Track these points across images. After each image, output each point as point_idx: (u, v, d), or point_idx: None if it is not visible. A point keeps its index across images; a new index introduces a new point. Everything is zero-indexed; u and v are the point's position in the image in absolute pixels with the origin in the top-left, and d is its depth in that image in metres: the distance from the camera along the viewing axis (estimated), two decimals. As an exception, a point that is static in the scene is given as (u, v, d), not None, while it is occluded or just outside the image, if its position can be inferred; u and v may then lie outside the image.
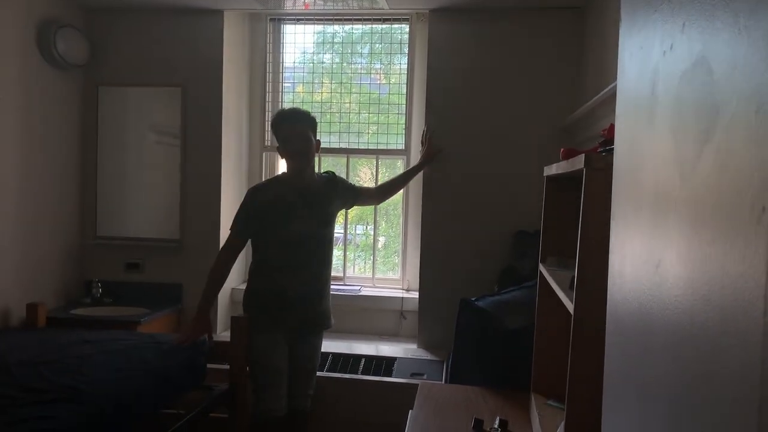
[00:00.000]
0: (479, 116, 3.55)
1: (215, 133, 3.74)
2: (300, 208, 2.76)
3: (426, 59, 3.70)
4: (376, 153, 4.02)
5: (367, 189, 3.30)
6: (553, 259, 2.23)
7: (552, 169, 2.11)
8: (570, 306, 1.58)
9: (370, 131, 4.05)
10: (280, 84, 4.13)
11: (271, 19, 4.05)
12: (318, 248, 2.82)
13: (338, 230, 4.22)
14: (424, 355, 3.52)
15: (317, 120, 2.87)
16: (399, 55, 4.05)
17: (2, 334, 3.08)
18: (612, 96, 2.43)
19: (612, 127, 1.62)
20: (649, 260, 0.83)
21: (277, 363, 2.78)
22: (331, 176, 2.97)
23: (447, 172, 3.54)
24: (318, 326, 2.93)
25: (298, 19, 4.06)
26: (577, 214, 2.26)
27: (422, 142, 3.53)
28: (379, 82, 4.14)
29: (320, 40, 4.19)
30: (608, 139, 1.65)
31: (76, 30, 3.60)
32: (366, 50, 4.14)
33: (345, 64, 4.11)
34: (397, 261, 4.15)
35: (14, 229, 3.33)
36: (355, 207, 3.44)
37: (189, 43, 3.77)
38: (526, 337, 2.61)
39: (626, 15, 1.08)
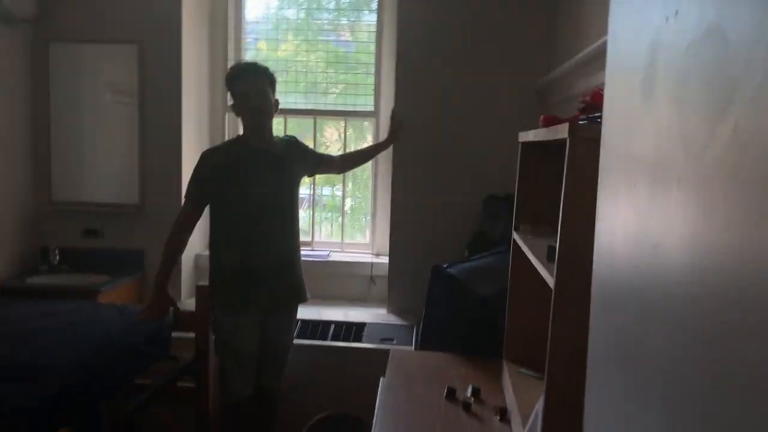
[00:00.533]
0: (450, 77, 3.46)
1: (175, 92, 3.57)
2: (261, 171, 2.55)
3: (396, 17, 3.58)
4: (345, 115, 3.91)
5: (330, 157, 3.11)
6: (527, 226, 2.19)
7: (529, 136, 2.05)
8: (550, 279, 1.54)
9: (337, 91, 3.92)
10: (242, 41, 3.96)
11: (232, -30, 3.86)
12: (284, 215, 2.63)
13: (304, 191, 4.13)
14: (393, 320, 3.50)
15: (277, 78, 2.67)
16: (367, 12, 3.91)
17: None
18: (590, 59, 2.36)
19: (597, 94, 1.55)
20: (645, 241, 0.78)
21: (246, 346, 2.61)
22: (292, 139, 2.80)
23: (417, 135, 3.46)
24: (292, 300, 2.75)
25: (262, -28, 3.87)
26: (553, 182, 2.21)
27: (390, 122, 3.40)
28: (345, 39, 4.00)
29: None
30: (590, 105, 1.59)
31: (22, -19, 3.37)
32: (332, 5, 3.99)
33: (310, 20, 3.95)
34: (365, 223, 4.09)
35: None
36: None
37: (145, -4, 3.56)
38: (498, 304, 2.58)
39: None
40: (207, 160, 2.58)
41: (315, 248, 3.96)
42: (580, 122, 1.53)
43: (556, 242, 1.90)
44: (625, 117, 0.91)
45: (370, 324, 3.43)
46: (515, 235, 2.22)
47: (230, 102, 2.64)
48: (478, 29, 3.43)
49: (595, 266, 1.02)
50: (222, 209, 2.59)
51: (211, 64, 3.93)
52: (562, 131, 1.42)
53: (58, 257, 3.56)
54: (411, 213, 3.52)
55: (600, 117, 1.43)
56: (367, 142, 4.01)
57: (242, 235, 2.57)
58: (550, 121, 1.65)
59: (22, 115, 3.57)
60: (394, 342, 3.27)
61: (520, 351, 2.28)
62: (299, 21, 3.97)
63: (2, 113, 3.41)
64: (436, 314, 2.76)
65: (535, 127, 3.33)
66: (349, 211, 4.11)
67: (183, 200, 2.66)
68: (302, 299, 2.77)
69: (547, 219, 2.22)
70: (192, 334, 2.93)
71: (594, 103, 1.56)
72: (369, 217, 3.99)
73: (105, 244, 3.69)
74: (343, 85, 3.92)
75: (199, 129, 3.83)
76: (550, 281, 1.53)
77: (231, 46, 3.90)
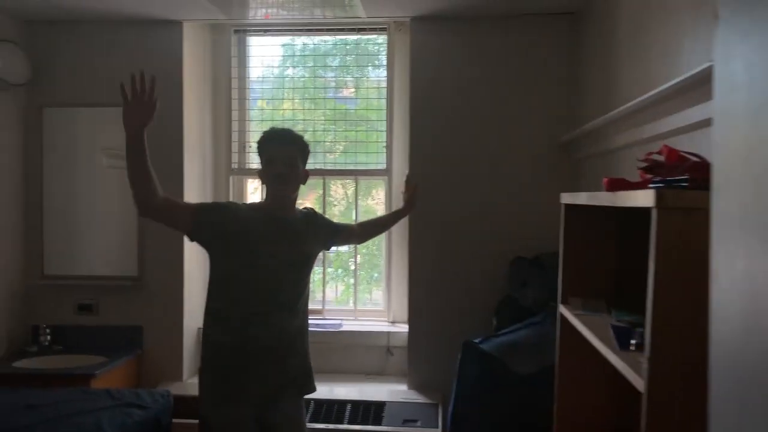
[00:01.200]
0: (468, 133, 3.26)
1: (176, 155, 3.37)
2: (275, 242, 2.25)
3: (406, 72, 3.42)
4: (355, 174, 3.69)
5: (348, 226, 2.83)
6: (578, 300, 1.93)
7: (579, 198, 1.81)
8: (628, 372, 1.27)
9: (345, 150, 3.72)
10: (247, 101, 3.78)
11: (235, 31, 3.70)
12: (293, 291, 2.29)
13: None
14: (415, 397, 3.19)
15: (310, 148, 2.39)
16: (371, 68, 3.75)
17: (-70, 398, 2.64)
18: (630, 113, 2.15)
19: (671, 151, 1.32)
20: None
21: None
22: (309, 211, 2.50)
23: (435, 194, 3.24)
24: (295, 389, 2.33)
25: (266, 30, 3.72)
26: (604, 248, 1.98)
27: (404, 188, 3.07)
28: (350, 96, 3.82)
29: (288, 53, 3.85)
30: (660, 165, 1.36)
31: (15, 45, 3.20)
32: (336, 63, 3.83)
33: (314, 78, 3.79)
34: (376, 278, 3.82)
35: (-56, 272, 2.89)
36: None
37: (143, 58, 3.37)
38: (541, 384, 2.31)
39: (727, 7, 0.79)
40: (227, 204, 2.32)
41: (326, 316, 3.68)
42: (653, 185, 1.30)
43: (620, 322, 1.65)
44: (757, 182, 0.68)
45: (390, 403, 3.13)
46: (563, 310, 1.96)
47: (259, 167, 2.35)
48: (496, 83, 3.25)
49: (713, 357, 0.77)
50: (223, 278, 2.24)
51: (214, 126, 3.74)
52: (643, 199, 1.18)
53: (49, 337, 3.28)
54: (431, 277, 3.27)
55: (685, 180, 1.20)
56: (376, 199, 3.80)
57: (242, 310, 2.20)
58: (618, 185, 1.40)
59: (14, 183, 3.35)
60: (419, 424, 2.97)
61: (574, 442, 1.99)
62: (303, 79, 3.80)
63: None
64: (469, 395, 2.47)
65: (564, 184, 3.14)
66: (361, 269, 3.83)
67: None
68: (308, 389, 2.38)
69: (601, 291, 1.98)
70: (196, 421, 2.61)
71: (671, 163, 1.33)
72: (383, 279, 3.72)
73: (100, 320, 3.41)
74: (346, 143, 3.71)
75: (202, 194, 3.60)
76: (630, 375, 1.26)
77: (235, 106, 3.72)
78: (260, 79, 3.82)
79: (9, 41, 3.16)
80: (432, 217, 3.25)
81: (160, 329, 3.38)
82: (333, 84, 3.80)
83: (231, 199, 3.70)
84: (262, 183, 2.35)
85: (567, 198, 1.94)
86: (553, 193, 3.18)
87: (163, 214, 2.14)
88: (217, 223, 2.18)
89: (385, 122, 3.64)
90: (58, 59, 3.42)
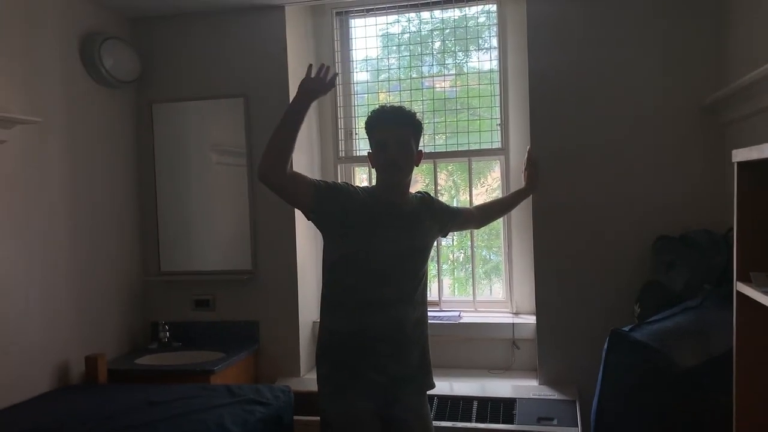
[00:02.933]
0: (595, 103, 2.93)
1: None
2: (390, 229, 2.09)
3: (519, 40, 3.14)
4: (468, 155, 3.45)
5: (466, 210, 2.62)
6: (762, 276, 1.61)
7: (760, 152, 1.49)
8: None
9: (458, 131, 3.48)
10: (351, 85, 3.63)
11: (336, 13, 3.56)
12: (411, 280, 2.13)
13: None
14: (549, 393, 2.92)
15: (423, 125, 2.21)
16: (475, 51, 3.49)
17: (59, 394, 2.67)
18: None
19: None
20: None
21: None
22: (425, 195, 2.31)
23: (559, 172, 2.94)
24: (416, 384, 2.16)
25: (367, 11, 3.55)
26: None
27: (525, 166, 2.93)
28: (454, 86, 3.57)
29: (387, 42, 3.63)
30: None
31: (124, 42, 3.21)
32: (437, 47, 3.58)
33: (420, 64, 3.57)
34: (493, 267, 3.56)
35: (68, 270, 2.92)
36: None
37: (248, 47, 3.32)
38: (707, 377, 2.00)
39: None
40: (347, 185, 2.14)
41: (443, 308, 3.47)
42: None
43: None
44: None
45: (521, 399, 2.87)
46: (743, 287, 1.64)
47: (368, 150, 2.18)
48: (624, 44, 2.91)
49: None
50: (339, 263, 2.10)
51: (320, 113, 3.62)
52: None
53: (168, 333, 3.28)
54: (559, 263, 2.97)
55: None
56: (485, 186, 3.54)
57: (359, 298, 2.06)
58: None
59: (128, 182, 3.38)
60: (555, 422, 2.70)
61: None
62: (402, 70, 3.60)
63: (109, 181, 3.23)
64: (618, 390, 2.18)
65: (709, 152, 2.76)
66: (466, 263, 3.58)
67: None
68: (429, 385, 2.21)
69: (791, 264, 1.64)
70: (317, 418, 2.47)
71: None
72: (503, 268, 3.46)
73: (217, 316, 3.38)
74: (457, 121, 3.46)
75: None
76: None
77: (340, 91, 3.58)
78: (364, 60, 3.66)
79: (117, 38, 3.17)
80: (557, 197, 2.96)
81: (275, 323, 3.30)
82: (434, 72, 3.57)
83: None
84: (373, 167, 2.17)
85: (744, 154, 1.61)
86: (697, 163, 2.84)
87: (287, 185, 1.99)
88: (338, 202, 2.03)
89: (498, 97, 3.38)
90: (165, 54, 3.42)
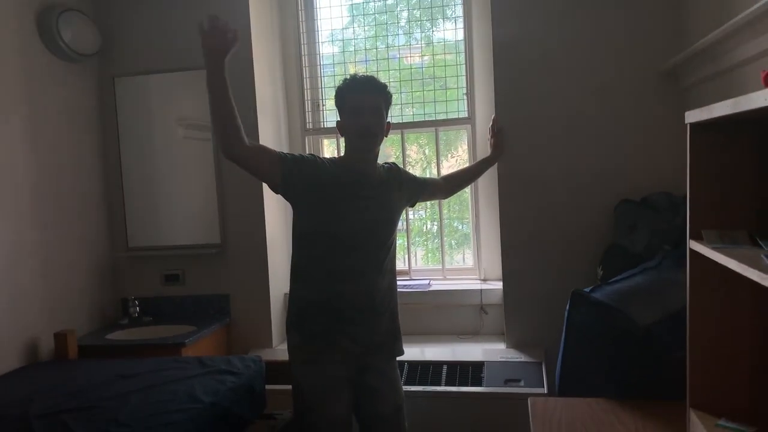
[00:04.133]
0: (557, 71, 2.95)
1: (250, 118, 3.24)
2: (359, 199, 2.12)
3: (484, 11, 3.16)
4: (435, 125, 3.47)
5: (434, 181, 2.67)
6: (713, 233, 1.66)
7: (714, 111, 1.53)
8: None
9: (424, 101, 3.49)
10: (318, 56, 3.61)
11: (301, -16, 3.53)
12: (379, 249, 2.16)
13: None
14: (515, 356, 2.99)
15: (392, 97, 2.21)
16: (442, 21, 3.49)
17: (29, 371, 2.66)
18: (739, 28, 1.83)
19: None
20: None
21: (337, 408, 2.10)
22: (393, 166, 2.34)
23: (524, 139, 2.98)
24: (386, 350, 2.23)
25: (333, -20, 3.52)
26: (740, 173, 1.70)
27: (490, 134, 2.97)
28: (421, 57, 3.57)
29: (353, 12, 3.61)
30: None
31: (82, 14, 3.14)
32: (404, 17, 3.57)
33: (380, 36, 3.55)
34: (458, 239, 3.62)
35: (34, 247, 2.89)
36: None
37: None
38: (663, 334, 2.07)
39: None
40: (313, 156, 2.14)
41: (413, 277, 3.52)
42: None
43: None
44: None
45: (489, 362, 2.94)
46: (696, 245, 1.70)
47: (336, 119, 2.19)
48: (582, 9, 2.93)
49: None
50: (308, 234, 2.12)
51: (286, 86, 3.60)
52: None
53: (138, 308, 3.27)
54: (525, 229, 3.02)
55: None
56: (456, 158, 3.58)
57: (329, 267, 2.10)
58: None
59: (92, 157, 3.33)
60: (522, 384, 2.77)
61: (713, 395, 1.74)
62: (368, 41, 3.58)
63: (72, 156, 3.18)
64: (580, 350, 2.24)
65: (669, 116, 2.81)
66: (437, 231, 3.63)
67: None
68: (399, 351, 2.27)
69: (737, 221, 1.70)
70: (289, 387, 2.51)
71: None
72: (471, 236, 3.51)
73: (187, 290, 3.38)
74: (423, 91, 3.47)
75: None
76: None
77: (306, 62, 3.56)
78: (329, 32, 3.64)
79: (76, 10, 3.10)
80: (522, 164, 2.99)
81: (246, 296, 3.31)
82: (405, 38, 3.56)
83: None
84: (343, 135, 2.18)
85: (695, 115, 1.66)
86: (658, 127, 2.90)
87: (251, 158, 2.03)
88: (306, 174, 2.05)
89: (464, 67, 3.40)
90: (127, 26, 3.35)
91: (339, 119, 2.16)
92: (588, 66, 2.93)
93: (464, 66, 3.40)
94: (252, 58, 3.23)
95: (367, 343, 2.14)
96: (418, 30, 3.56)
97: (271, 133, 3.40)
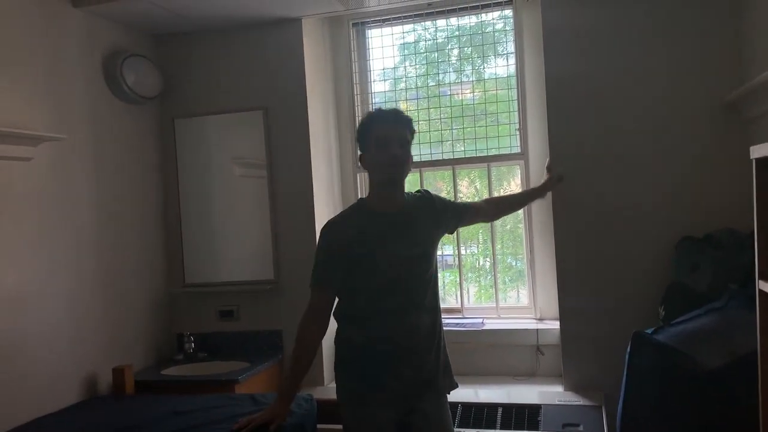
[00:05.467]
0: (613, 105, 2.89)
1: (304, 157, 3.31)
2: (390, 237, 2.06)
3: (536, 46, 3.13)
4: (487, 161, 3.44)
5: (474, 204, 2.57)
6: (785, 273, 1.58)
7: (782, 146, 1.47)
8: None
9: (476, 137, 3.48)
10: (369, 95, 3.66)
11: (353, 24, 3.60)
12: (419, 284, 2.10)
13: (448, 252, 3.66)
14: (574, 399, 2.88)
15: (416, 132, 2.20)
16: (492, 57, 3.49)
17: (88, 405, 2.72)
18: None
19: None
20: None
21: None
22: (424, 194, 2.26)
23: (580, 175, 2.92)
24: (435, 389, 2.14)
25: (383, 20, 3.58)
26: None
27: (547, 177, 2.88)
28: (472, 93, 3.57)
29: (404, 51, 3.65)
30: None
31: (146, 59, 3.28)
32: (455, 55, 3.59)
33: (436, 72, 3.57)
34: (512, 276, 3.54)
35: (95, 283, 2.98)
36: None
37: (267, 60, 3.37)
38: (732, 378, 1.95)
39: None
40: (329, 237, 2.12)
41: (466, 315, 3.46)
42: None
43: None
44: None
45: (546, 406, 2.84)
46: (765, 286, 1.61)
47: (359, 153, 2.16)
48: (637, 44, 2.88)
49: None
50: (348, 283, 2.10)
51: (338, 123, 3.65)
52: None
53: (193, 344, 3.32)
54: (582, 267, 2.93)
55: None
56: (509, 190, 3.53)
57: (369, 310, 2.07)
58: None
59: (152, 195, 3.44)
60: (581, 428, 2.65)
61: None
62: (419, 80, 3.61)
63: (134, 195, 3.29)
64: (642, 395, 2.14)
65: (731, 151, 2.71)
66: (488, 269, 3.56)
67: (310, 290, 2.17)
68: (451, 386, 2.20)
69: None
70: (340, 426, 2.48)
71: None
72: (525, 273, 3.44)
73: (241, 326, 3.41)
74: (474, 127, 3.46)
75: (330, 194, 3.53)
76: None
77: (358, 102, 3.61)
78: (381, 71, 3.69)
79: (140, 56, 3.24)
80: (578, 199, 2.93)
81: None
82: (452, 80, 3.57)
83: (357, 194, 3.59)
84: (367, 168, 2.12)
85: (761, 150, 1.59)
86: (720, 161, 2.80)
87: (328, 309, 2.16)
88: (335, 265, 2.08)
89: (516, 102, 3.38)
90: (186, 70, 3.48)
91: (362, 153, 2.12)
92: (645, 98, 2.86)
93: (516, 102, 3.38)
94: (306, 97, 3.30)
95: (414, 383, 2.08)
96: (469, 66, 3.56)
97: (322, 169, 3.44)
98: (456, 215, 2.32)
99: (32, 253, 2.65)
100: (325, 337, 3.31)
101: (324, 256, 2.10)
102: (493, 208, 2.59)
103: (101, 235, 3.04)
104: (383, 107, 2.16)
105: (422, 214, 2.16)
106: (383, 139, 2.04)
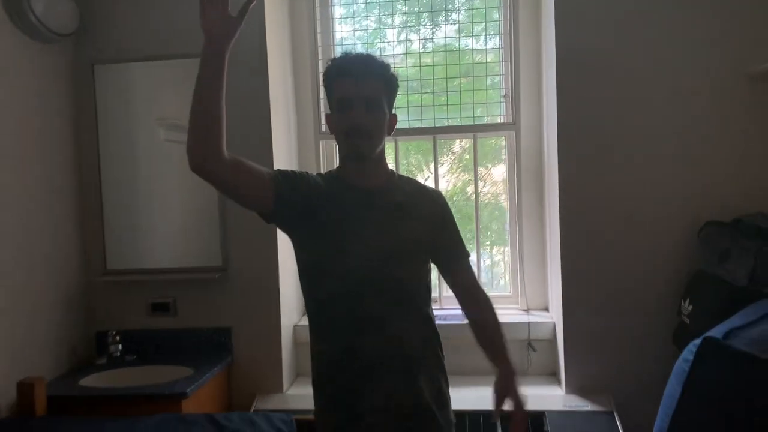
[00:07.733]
0: (631, 73, 2.56)
1: (261, 119, 2.74)
2: (366, 224, 1.56)
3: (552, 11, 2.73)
4: (473, 130, 3.02)
5: (463, 268, 1.77)
6: None
7: None
8: None
9: (460, 102, 3.04)
10: (332, 48, 3.12)
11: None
12: (402, 292, 1.57)
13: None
14: (579, 403, 2.55)
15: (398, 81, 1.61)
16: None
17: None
18: None
19: None
20: None
21: None
22: (438, 194, 1.73)
23: (588, 150, 2.57)
24: (429, 422, 1.58)
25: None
26: None
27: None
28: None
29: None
30: None
31: (57, -15, 2.57)
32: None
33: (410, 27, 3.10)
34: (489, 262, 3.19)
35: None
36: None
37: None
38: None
39: None
40: (307, 173, 1.60)
41: (443, 306, 3.04)
42: None
43: None
44: None
45: (550, 413, 2.49)
46: None
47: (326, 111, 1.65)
48: (656, 14, 2.55)
49: None
50: (310, 272, 1.60)
51: (296, 83, 3.09)
52: None
53: (120, 345, 2.69)
54: (589, 255, 2.60)
55: None
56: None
57: (341, 315, 1.56)
58: None
59: (65, 159, 2.75)
60: (598, 441, 2.32)
61: None
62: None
63: (41, 158, 2.60)
64: (704, 410, 1.82)
65: (762, 125, 2.45)
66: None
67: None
68: (443, 424, 1.60)
69: None
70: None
71: None
72: (510, 259, 3.08)
73: (178, 323, 2.81)
74: (456, 92, 3.03)
75: (289, 160, 2.99)
76: None
77: (320, 54, 3.08)
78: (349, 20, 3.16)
79: (50, -20, 2.53)
80: (589, 178, 2.58)
81: (252, 330, 2.76)
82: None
83: (320, 168, 3.08)
84: (332, 133, 1.59)
85: None
86: (749, 138, 2.51)
87: (230, 174, 1.44)
88: (304, 196, 1.52)
89: (501, 64, 2.97)
90: (111, 4, 2.79)
91: (328, 112, 1.59)
92: (665, 71, 2.55)
93: (504, 63, 2.97)
94: (266, 47, 2.74)
95: (401, 411, 1.56)
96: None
97: (282, 138, 2.90)
98: (447, 249, 1.71)
99: None
100: (285, 330, 2.81)
101: (294, 173, 1.56)
102: (467, 297, 1.81)
103: (-1, 210, 2.34)
104: (351, 53, 1.57)
105: (416, 205, 1.64)
106: (344, 99, 1.51)
